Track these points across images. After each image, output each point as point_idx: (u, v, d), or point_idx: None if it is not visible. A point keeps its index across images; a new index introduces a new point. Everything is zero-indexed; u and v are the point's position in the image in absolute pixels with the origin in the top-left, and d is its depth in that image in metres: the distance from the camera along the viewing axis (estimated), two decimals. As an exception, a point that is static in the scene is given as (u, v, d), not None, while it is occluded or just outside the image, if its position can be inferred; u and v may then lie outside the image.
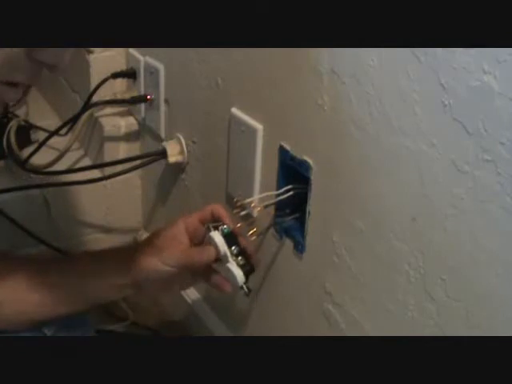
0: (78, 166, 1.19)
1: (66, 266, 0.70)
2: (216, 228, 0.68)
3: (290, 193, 0.73)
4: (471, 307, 0.54)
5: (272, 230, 0.79)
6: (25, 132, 1.20)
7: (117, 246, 0.75)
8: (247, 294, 0.69)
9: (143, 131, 1.17)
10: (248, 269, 0.68)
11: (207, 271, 0.70)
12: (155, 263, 0.67)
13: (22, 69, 0.49)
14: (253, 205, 0.76)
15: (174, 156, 1.00)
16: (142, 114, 1.12)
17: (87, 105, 1.12)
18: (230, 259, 0.67)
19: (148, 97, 1.06)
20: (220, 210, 0.70)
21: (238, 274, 0.67)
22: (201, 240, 0.69)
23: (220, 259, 0.68)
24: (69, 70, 0.48)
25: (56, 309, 0.67)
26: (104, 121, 1.16)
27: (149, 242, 0.70)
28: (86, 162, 1.23)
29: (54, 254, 1.11)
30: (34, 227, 1.09)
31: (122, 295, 0.71)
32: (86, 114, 1.15)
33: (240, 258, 0.67)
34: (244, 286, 0.68)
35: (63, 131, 1.18)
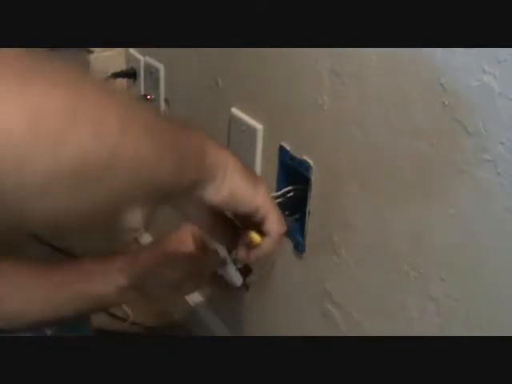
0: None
1: (69, 266, 0.70)
2: None
3: (290, 193, 0.73)
4: (471, 307, 0.54)
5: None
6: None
7: (121, 252, 0.75)
8: (247, 289, 0.70)
9: (143, 131, 1.16)
10: (246, 270, 0.68)
11: (211, 276, 0.70)
12: (159, 267, 0.67)
13: None
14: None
15: (174, 156, 1.00)
16: (142, 114, 1.12)
17: (87, 105, 1.12)
18: (229, 261, 0.67)
19: (148, 97, 1.06)
20: None
21: (237, 277, 0.67)
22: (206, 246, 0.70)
23: (222, 262, 0.68)
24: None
25: (58, 309, 0.67)
26: (104, 121, 1.16)
27: (154, 245, 0.71)
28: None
29: (54, 254, 1.11)
30: (34, 227, 1.09)
31: (127, 299, 0.70)
32: (86, 114, 1.15)
33: (239, 260, 0.68)
34: (242, 287, 0.69)
35: (63, 131, 1.18)
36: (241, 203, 0.53)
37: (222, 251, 0.66)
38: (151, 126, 0.39)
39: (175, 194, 0.47)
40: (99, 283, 0.68)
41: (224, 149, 0.52)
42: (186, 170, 0.46)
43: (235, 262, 0.67)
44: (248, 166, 0.55)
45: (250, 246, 0.57)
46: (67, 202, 0.34)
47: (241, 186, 0.52)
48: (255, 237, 0.56)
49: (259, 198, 0.54)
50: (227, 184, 0.51)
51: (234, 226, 0.58)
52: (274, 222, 0.56)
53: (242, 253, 0.58)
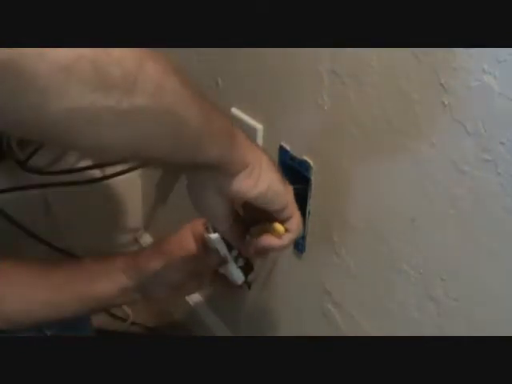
0: (78, 166, 1.19)
1: (72, 266, 0.70)
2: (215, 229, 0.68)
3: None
4: (471, 307, 0.54)
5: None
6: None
7: (122, 252, 0.75)
8: (249, 288, 0.70)
9: (143, 131, 1.16)
10: (247, 268, 0.69)
11: (213, 276, 0.70)
12: (160, 267, 0.67)
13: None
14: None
15: (174, 156, 1.00)
16: (142, 114, 1.11)
17: (87, 105, 1.12)
18: (230, 259, 0.67)
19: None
20: None
21: (238, 275, 0.67)
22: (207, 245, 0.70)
23: (223, 261, 0.68)
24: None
25: (59, 310, 0.67)
26: (104, 121, 1.16)
27: (155, 246, 0.70)
28: (86, 162, 1.23)
29: (54, 254, 1.11)
30: (34, 227, 1.09)
31: (129, 300, 0.70)
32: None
33: (240, 258, 0.68)
34: (243, 285, 0.69)
35: (63, 131, 1.18)
36: (275, 199, 0.54)
37: (223, 250, 0.67)
38: (192, 87, 0.43)
39: (202, 160, 0.47)
40: (101, 284, 0.67)
41: (256, 145, 0.54)
42: (211, 134, 0.46)
43: (236, 260, 0.68)
44: (275, 162, 0.56)
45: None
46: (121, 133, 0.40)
47: (276, 183, 0.54)
48: (280, 228, 0.57)
49: (289, 195, 0.56)
50: (264, 179, 0.52)
51: (242, 223, 0.59)
52: (298, 221, 0.58)
53: (251, 248, 0.59)
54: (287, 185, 0.57)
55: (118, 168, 1.08)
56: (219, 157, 0.48)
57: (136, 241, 1.27)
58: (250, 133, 0.79)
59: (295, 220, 0.58)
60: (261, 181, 0.52)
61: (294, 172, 0.73)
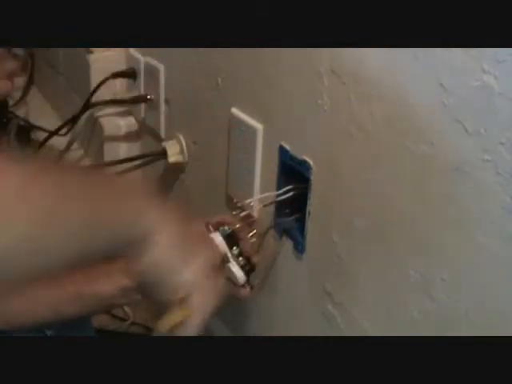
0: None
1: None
2: (217, 229, 0.68)
3: (290, 193, 0.73)
4: (471, 307, 0.54)
5: (272, 231, 0.79)
6: (25, 132, 1.20)
7: None
8: (251, 288, 0.70)
9: (143, 131, 1.16)
10: (248, 268, 0.69)
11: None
12: None
13: None
14: (252, 204, 0.76)
15: (173, 156, 1.00)
16: (142, 114, 1.12)
17: (87, 105, 1.13)
18: (231, 259, 0.67)
19: (148, 97, 1.06)
20: (226, 216, 0.70)
21: (239, 274, 0.68)
22: None
23: (224, 261, 0.68)
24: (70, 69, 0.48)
25: (60, 310, 0.67)
26: (104, 121, 1.16)
27: None
28: (86, 162, 1.23)
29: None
30: (34, 227, 1.09)
31: (130, 300, 0.70)
32: (86, 114, 1.15)
33: (241, 258, 0.68)
34: (246, 285, 0.69)
35: (63, 131, 1.18)
36: (160, 282, 0.47)
37: (224, 249, 0.67)
38: (73, 187, 0.40)
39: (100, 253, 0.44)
40: (101, 284, 0.67)
41: (166, 211, 0.47)
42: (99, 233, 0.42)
43: (237, 259, 0.68)
44: (188, 228, 0.48)
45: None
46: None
47: (165, 259, 0.46)
48: (183, 312, 0.49)
49: (188, 272, 0.48)
50: (149, 256, 0.45)
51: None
52: (200, 300, 0.51)
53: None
54: (194, 257, 0.48)
55: (118, 168, 1.08)
56: (114, 247, 0.44)
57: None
58: (250, 133, 0.79)
59: (195, 298, 0.49)
60: (144, 259, 0.45)
61: (294, 172, 0.73)
